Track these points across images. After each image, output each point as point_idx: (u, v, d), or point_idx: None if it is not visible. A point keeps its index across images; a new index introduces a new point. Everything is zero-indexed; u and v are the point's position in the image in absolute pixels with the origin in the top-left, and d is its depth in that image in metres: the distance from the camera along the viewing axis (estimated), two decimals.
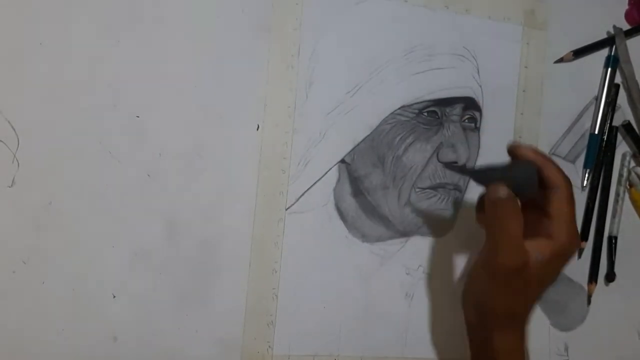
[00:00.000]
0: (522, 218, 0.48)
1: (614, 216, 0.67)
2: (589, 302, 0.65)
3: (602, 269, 0.66)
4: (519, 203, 0.49)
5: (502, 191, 0.49)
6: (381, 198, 0.59)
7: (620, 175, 0.67)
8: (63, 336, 0.51)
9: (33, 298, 0.50)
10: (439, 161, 0.60)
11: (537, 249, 0.49)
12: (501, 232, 0.49)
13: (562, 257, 0.50)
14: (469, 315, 0.53)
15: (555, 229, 0.49)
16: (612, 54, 0.67)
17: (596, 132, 0.66)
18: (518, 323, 0.51)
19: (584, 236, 0.65)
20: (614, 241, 0.67)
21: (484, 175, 0.52)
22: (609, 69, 0.66)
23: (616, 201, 0.67)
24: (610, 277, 0.66)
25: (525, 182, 0.50)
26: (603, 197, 0.66)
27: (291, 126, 0.57)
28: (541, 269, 0.49)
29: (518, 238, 0.48)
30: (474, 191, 0.62)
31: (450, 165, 0.59)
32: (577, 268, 0.66)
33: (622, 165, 0.67)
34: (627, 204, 0.68)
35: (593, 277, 0.65)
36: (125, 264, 0.52)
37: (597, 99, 0.66)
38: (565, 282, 0.65)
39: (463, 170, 0.57)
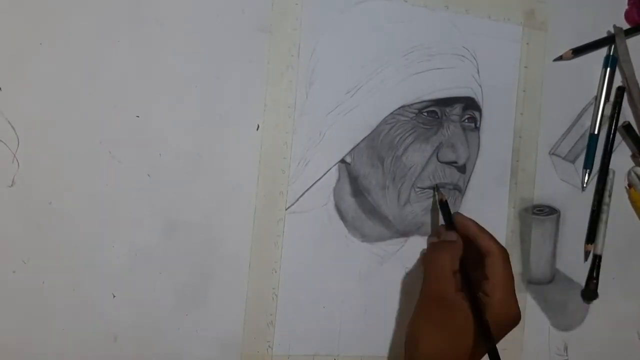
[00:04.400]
0: (455, 258, 0.54)
1: (598, 235, 0.66)
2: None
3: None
4: (460, 251, 0.55)
5: (453, 236, 0.56)
6: (381, 198, 0.59)
7: (605, 192, 0.67)
8: (63, 336, 0.51)
9: (33, 298, 0.50)
10: (438, 161, 0.60)
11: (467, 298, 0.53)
12: (430, 263, 0.56)
13: (495, 315, 0.53)
14: (406, 348, 0.55)
15: (490, 288, 0.53)
16: (611, 53, 0.67)
17: (596, 132, 0.66)
18: None
19: (591, 239, 0.65)
20: (597, 260, 0.66)
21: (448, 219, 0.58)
22: (608, 69, 0.66)
23: (600, 219, 0.66)
24: (589, 295, 0.65)
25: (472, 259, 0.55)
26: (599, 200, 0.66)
27: (291, 126, 0.57)
28: (470, 317, 0.52)
29: (444, 268, 0.54)
30: (473, 191, 0.62)
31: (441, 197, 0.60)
32: (579, 268, 0.66)
33: (607, 181, 0.67)
34: (627, 204, 0.68)
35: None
36: (125, 264, 0.52)
37: (597, 99, 0.66)
38: (565, 282, 0.65)
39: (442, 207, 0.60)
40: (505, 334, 0.55)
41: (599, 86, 0.67)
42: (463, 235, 0.56)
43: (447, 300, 0.53)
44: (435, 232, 0.60)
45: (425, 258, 0.57)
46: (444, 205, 0.59)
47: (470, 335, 0.52)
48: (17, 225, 0.50)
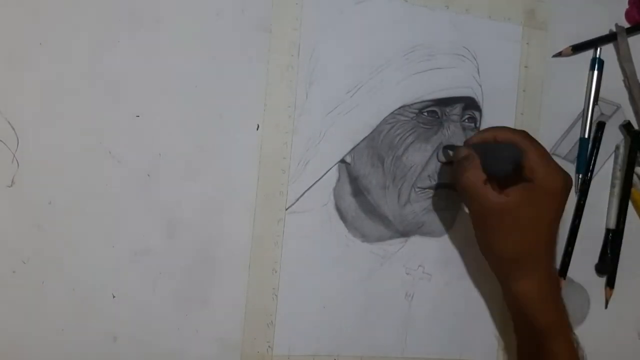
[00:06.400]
0: (477, 169, 0.54)
1: (609, 208, 0.67)
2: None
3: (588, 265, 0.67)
4: (477, 161, 0.55)
5: (464, 152, 0.56)
6: (381, 198, 0.59)
7: (615, 166, 0.67)
8: (63, 336, 0.51)
9: (33, 298, 0.50)
10: (439, 161, 0.60)
11: (514, 192, 0.54)
12: (463, 184, 0.55)
13: (546, 195, 0.54)
14: (489, 264, 0.58)
15: (530, 173, 0.54)
16: (598, 55, 0.66)
17: (586, 135, 0.65)
18: (528, 267, 0.55)
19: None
20: (610, 234, 0.67)
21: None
22: (596, 72, 0.66)
23: (611, 193, 0.67)
24: (603, 269, 0.66)
25: (501, 159, 0.56)
26: (584, 195, 0.66)
27: (291, 126, 0.57)
28: (525, 209, 0.54)
29: (475, 184, 0.54)
30: None
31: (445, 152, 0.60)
32: (578, 268, 0.66)
33: (615, 156, 0.67)
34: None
35: (562, 273, 0.65)
36: (125, 264, 0.52)
37: (585, 102, 0.66)
38: (565, 282, 0.65)
39: (449, 147, 0.60)
40: (566, 201, 0.56)
41: (587, 89, 0.66)
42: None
43: (495, 208, 0.54)
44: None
45: (456, 184, 0.57)
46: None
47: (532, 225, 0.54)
48: (17, 225, 0.50)
